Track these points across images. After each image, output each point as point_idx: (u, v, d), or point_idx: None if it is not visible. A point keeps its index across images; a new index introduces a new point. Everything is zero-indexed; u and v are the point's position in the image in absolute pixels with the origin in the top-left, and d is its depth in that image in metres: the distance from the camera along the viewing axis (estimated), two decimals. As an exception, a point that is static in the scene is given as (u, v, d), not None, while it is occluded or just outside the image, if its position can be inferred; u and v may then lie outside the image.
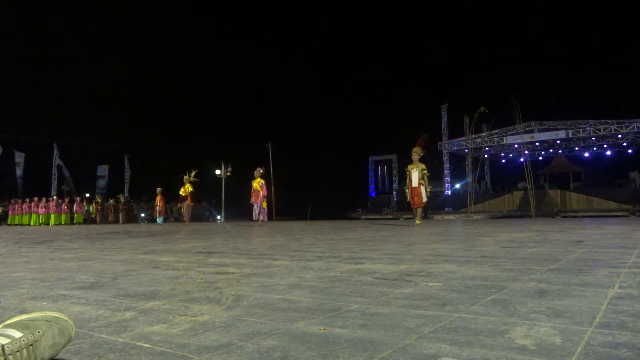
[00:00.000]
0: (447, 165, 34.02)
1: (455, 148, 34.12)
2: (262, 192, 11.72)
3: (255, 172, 11.89)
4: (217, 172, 34.01)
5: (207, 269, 2.18)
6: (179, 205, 14.56)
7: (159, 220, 17.38)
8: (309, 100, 46.53)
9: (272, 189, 34.63)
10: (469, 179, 33.10)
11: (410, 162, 9.02)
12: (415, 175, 8.65)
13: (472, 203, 29.19)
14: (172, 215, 30.72)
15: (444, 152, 34.35)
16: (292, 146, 43.56)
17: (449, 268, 2.04)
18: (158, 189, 17.49)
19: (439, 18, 42.99)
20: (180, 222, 14.88)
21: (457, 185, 35.15)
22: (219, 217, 35.05)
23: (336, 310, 1.25)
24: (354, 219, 27.65)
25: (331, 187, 39.95)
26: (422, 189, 8.55)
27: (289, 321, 1.15)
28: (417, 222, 8.42)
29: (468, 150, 33.40)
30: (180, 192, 13.95)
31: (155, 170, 37.33)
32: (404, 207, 32.90)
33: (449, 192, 33.61)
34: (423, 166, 8.69)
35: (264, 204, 11.85)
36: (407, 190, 8.94)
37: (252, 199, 11.73)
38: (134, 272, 2.12)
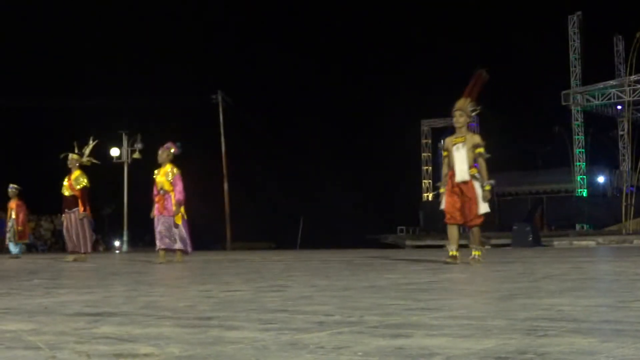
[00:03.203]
0: (579, 136, 33.98)
1: (595, 102, 34.03)
2: (176, 195, 11.21)
3: (160, 153, 11.47)
4: (114, 151, 34.05)
5: (95, 347, 2.19)
6: (63, 217, 13.28)
7: (16, 248, 17.41)
8: (296, 10, 46.38)
9: (226, 186, 34.54)
10: (625, 165, 33.05)
11: (451, 130, 8.68)
12: (461, 157, 8.23)
13: (630, 214, 29.14)
14: (40, 244, 30.72)
15: (574, 109, 34.10)
16: (264, 100, 43.52)
17: (583, 345, 2.05)
18: (12, 187, 17.33)
19: None
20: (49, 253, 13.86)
21: (600, 179, 35.10)
22: (118, 242, 35.20)
23: None
24: (391, 246, 27.73)
25: (344, 184, 39.92)
26: (477, 186, 8.12)
27: None
28: (474, 253, 8.24)
29: (621, 107, 33.27)
30: (63, 189, 13.14)
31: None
32: (492, 223, 32.79)
33: (583, 193, 33.59)
34: (477, 139, 8.29)
35: (179, 217, 11.29)
36: (442, 190, 8.46)
37: (155, 210, 11.32)
38: (-52, 353, 2.13)
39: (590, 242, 24.16)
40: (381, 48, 47.85)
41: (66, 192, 12.96)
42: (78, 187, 12.83)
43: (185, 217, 11.34)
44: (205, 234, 38.89)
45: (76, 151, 13.10)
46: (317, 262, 10.55)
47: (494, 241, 26.81)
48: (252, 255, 18.12)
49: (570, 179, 33.65)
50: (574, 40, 33.74)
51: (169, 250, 11.19)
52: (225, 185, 34.66)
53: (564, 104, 33.78)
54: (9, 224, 17.26)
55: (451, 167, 8.26)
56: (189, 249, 11.45)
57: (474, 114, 8.40)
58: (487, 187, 8.06)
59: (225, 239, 34.85)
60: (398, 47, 47.65)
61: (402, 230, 36.33)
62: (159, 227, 11.14)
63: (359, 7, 49.74)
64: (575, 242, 24.63)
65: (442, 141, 8.63)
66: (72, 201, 12.90)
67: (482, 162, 8.14)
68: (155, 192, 11.31)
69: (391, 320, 2.73)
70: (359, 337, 2.29)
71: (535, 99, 38.67)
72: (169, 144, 11.47)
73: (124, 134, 33.76)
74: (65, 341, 2.30)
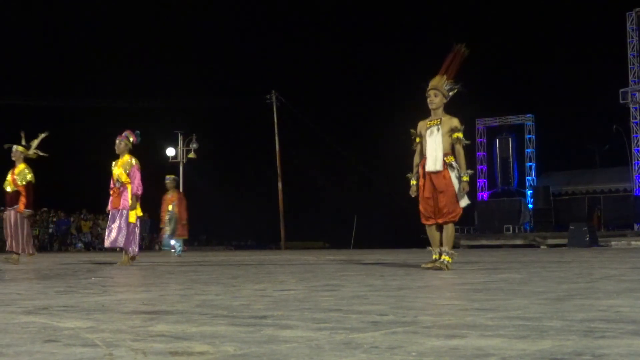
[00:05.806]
0: (638, 135, 33.32)
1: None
2: (133, 188, 10.25)
3: (117, 143, 10.44)
4: (170, 151, 34.52)
5: (151, 344, 2.21)
6: (4, 214, 12.38)
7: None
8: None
9: (280, 185, 34.78)
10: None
11: (425, 114, 7.58)
12: (435, 142, 7.25)
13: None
14: (98, 242, 30.94)
15: (633, 108, 33.56)
16: (318, 99, 43.64)
17: (643, 347, 2.01)
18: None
19: None
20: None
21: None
22: (173, 242, 35.63)
23: None
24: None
25: (399, 183, 39.68)
26: (453, 176, 7.15)
27: None
28: (443, 258, 7.20)
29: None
30: (5, 184, 11.96)
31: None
32: (547, 223, 32.33)
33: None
34: (455, 122, 7.31)
35: (134, 214, 10.29)
36: (414, 182, 7.48)
37: (110, 204, 10.44)
38: (9, 349, 2.18)
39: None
40: (441, 48, 47.63)
41: (8, 188, 11.84)
42: (22, 182, 11.68)
43: (140, 214, 10.47)
44: (260, 233, 39.17)
45: (23, 143, 11.93)
46: (371, 261, 10.52)
47: (550, 241, 26.44)
48: (306, 254, 18.17)
49: (628, 177, 33.01)
50: (632, 37, 33.16)
51: (114, 247, 10.51)
52: (280, 185, 34.82)
53: (622, 102, 33.18)
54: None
55: (424, 154, 7.34)
56: (137, 250, 10.52)
57: (451, 93, 7.46)
58: (465, 178, 7.14)
59: (279, 238, 35.04)
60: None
61: (457, 229, 35.94)
62: (110, 223, 10.41)
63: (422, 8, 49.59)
64: (633, 242, 24.21)
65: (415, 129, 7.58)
66: (15, 197, 11.78)
67: (460, 149, 7.21)
68: (111, 184, 10.48)
69: (446, 321, 2.72)
70: (413, 337, 2.29)
71: (592, 98, 38.19)
72: (127, 132, 10.52)
73: (179, 134, 34.20)
74: (122, 339, 2.34)
